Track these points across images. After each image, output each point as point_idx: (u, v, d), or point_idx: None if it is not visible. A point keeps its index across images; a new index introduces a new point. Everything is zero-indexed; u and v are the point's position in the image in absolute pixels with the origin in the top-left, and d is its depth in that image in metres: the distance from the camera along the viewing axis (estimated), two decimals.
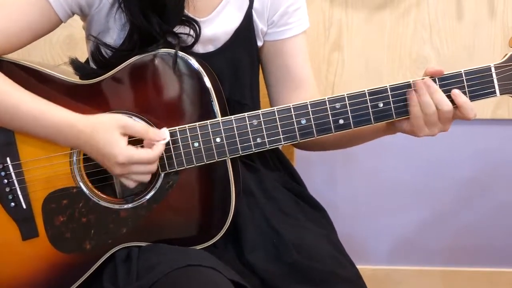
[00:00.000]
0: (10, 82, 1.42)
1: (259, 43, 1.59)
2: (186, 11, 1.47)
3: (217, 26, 1.52)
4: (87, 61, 1.58)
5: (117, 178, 1.44)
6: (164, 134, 1.40)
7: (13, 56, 1.48)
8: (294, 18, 1.59)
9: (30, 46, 1.49)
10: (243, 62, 1.57)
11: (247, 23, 1.55)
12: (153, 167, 1.40)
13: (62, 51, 2.27)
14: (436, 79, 1.40)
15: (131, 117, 1.42)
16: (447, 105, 1.40)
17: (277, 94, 1.62)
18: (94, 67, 1.51)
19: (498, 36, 2.29)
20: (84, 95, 1.46)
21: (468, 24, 2.29)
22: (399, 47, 2.31)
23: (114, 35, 1.49)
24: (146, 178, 1.42)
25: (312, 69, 1.64)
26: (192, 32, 1.47)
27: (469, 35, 2.30)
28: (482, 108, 2.31)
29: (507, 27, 2.28)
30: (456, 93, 1.40)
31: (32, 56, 2.19)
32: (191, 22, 1.46)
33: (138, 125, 1.40)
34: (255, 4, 1.55)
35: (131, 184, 1.42)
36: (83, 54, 1.60)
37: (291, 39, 1.60)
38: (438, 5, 2.28)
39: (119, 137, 1.38)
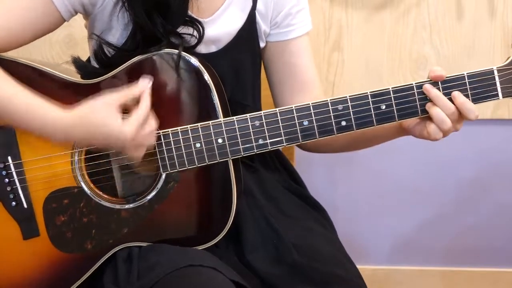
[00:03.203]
0: (4, 76, 1.41)
1: (262, 44, 1.59)
2: (189, 12, 1.47)
3: (220, 26, 1.52)
4: (88, 60, 1.58)
5: (128, 154, 1.41)
6: (144, 83, 1.40)
7: (14, 55, 1.48)
8: (297, 19, 1.59)
9: (30, 45, 1.49)
10: (245, 63, 1.57)
11: (250, 24, 1.55)
12: (153, 121, 1.39)
13: (62, 50, 2.28)
14: (439, 82, 1.40)
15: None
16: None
17: (281, 96, 1.62)
18: (96, 66, 1.51)
19: (498, 36, 2.29)
20: (86, 94, 1.45)
21: (468, 24, 2.29)
22: (399, 47, 2.32)
23: (117, 34, 1.49)
24: (154, 136, 1.40)
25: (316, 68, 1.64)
26: (195, 33, 1.47)
27: (469, 35, 2.30)
28: (482, 108, 2.31)
29: (507, 27, 2.28)
30: (455, 94, 1.40)
31: (31, 55, 2.18)
32: (195, 23, 1.46)
33: (123, 93, 1.38)
34: (259, 5, 1.55)
35: (142, 152, 1.39)
36: (83, 53, 1.59)
37: (294, 40, 1.59)
38: (438, 5, 2.28)
39: (115, 114, 1.36)
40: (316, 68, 1.63)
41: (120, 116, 1.36)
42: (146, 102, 1.38)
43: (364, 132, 1.44)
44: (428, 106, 1.41)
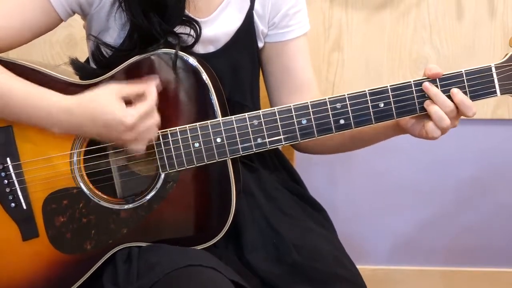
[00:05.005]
0: (2, 70, 1.42)
1: (260, 45, 1.59)
2: (186, 11, 1.47)
3: (217, 26, 1.52)
4: (87, 61, 1.58)
5: (127, 146, 1.41)
6: (151, 80, 1.40)
7: (14, 54, 1.48)
8: (295, 20, 1.59)
9: (30, 46, 1.50)
10: (243, 63, 1.57)
11: (248, 24, 1.55)
12: (157, 117, 1.39)
13: (62, 50, 2.28)
14: (437, 79, 1.40)
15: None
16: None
17: (278, 96, 1.62)
18: (94, 67, 1.51)
19: (498, 36, 2.29)
20: None
21: (468, 24, 2.30)
22: (399, 47, 2.32)
23: (114, 35, 1.49)
24: (155, 131, 1.40)
25: (312, 69, 1.63)
26: (192, 32, 1.47)
27: (469, 35, 2.30)
28: (482, 108, 2.31)
29: (507, 27, 2.28)
30: (454, 91, 1.40)
31: (32, 55, 2.19)
32: (192, 22, 1.46)
33: (129, 85, 1.39)
34: (256, 6, 1.55)
35: (142, 146, 1.39)
36: (83, 54, 1.60)
37: (292, 41, 1.59)
38: (438, 5, 2.28)
39: (117, 101, 1.37)
40: (313, 69, 1.63)
41: (122, 104, 1.37)
42: (152, 97, 1.38)
43: (361, 131, 1.44)
44: (427, 103, 1.41)
